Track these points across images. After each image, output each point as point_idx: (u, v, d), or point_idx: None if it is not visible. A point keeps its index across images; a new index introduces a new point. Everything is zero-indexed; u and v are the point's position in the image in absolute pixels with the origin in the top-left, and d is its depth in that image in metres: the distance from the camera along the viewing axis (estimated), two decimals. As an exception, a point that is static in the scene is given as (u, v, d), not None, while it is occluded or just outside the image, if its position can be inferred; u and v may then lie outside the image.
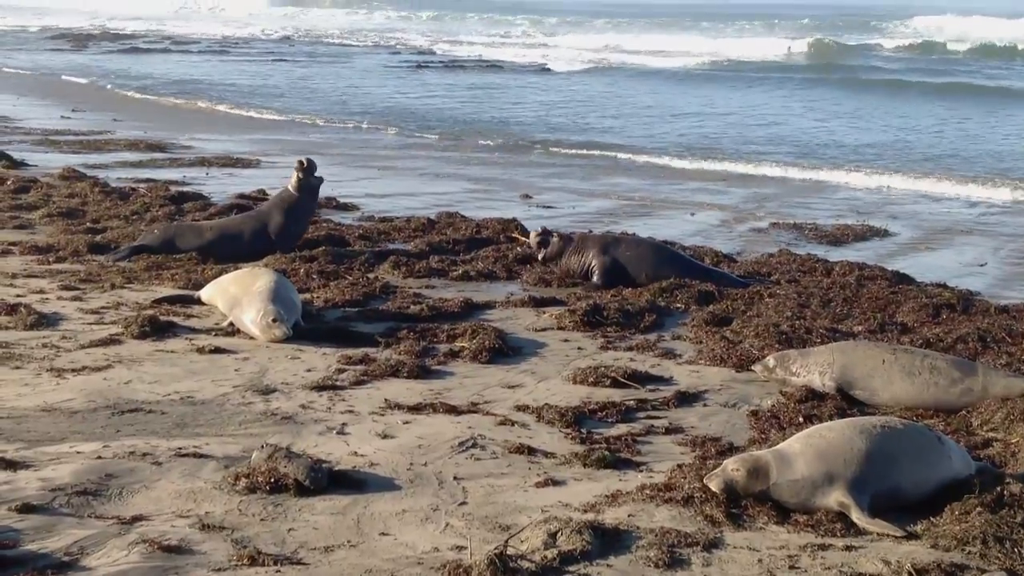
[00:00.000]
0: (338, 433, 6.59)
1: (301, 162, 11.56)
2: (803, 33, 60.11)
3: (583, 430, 6.72)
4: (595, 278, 10.52)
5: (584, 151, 21.18)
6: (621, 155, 20.60)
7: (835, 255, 12.32)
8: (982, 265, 12.36)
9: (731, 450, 6.45)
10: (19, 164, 16.55)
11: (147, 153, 18.64)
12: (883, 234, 14.02)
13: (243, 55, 46.44)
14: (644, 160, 19.99)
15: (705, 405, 7.33)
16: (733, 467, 5.27)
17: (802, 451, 5.32)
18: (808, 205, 16.00)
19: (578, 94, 32.20)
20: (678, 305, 9.85)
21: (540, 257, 10.85)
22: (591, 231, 11.78)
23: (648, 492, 5.68)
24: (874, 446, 5.34)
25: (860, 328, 9.02)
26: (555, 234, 10.84)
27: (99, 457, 6.02)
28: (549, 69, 41.77)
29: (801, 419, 6.87)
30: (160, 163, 17.67)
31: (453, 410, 7.02)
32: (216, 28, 65.73)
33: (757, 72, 38.73)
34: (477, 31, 68.04)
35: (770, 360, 7.80)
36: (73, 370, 7.53)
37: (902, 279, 10.88)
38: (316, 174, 11.53)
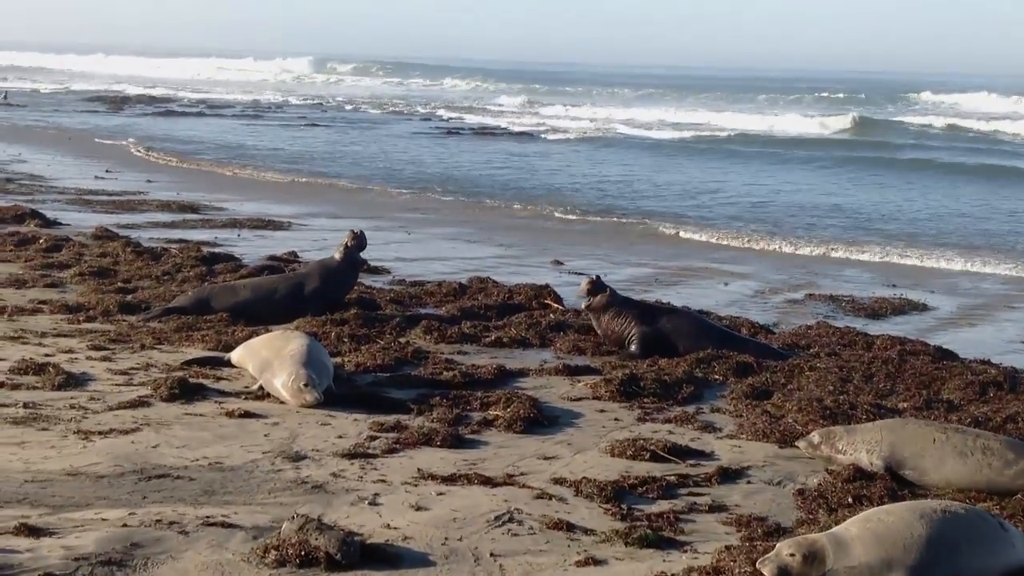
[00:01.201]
0: (370, 504, 6.38)
1: (353, 232, 11.55)
2: (835, 107, 60.43)
3: (623, 506, 6.47)
4: (633, 347, 10.34)
5: (614, 218, 21.10)
6: (652, 223, 20.47)
7: (873, 328, 12.08)
8: (1024, 342, 12.09)
9: (778, 531, 6.20)
10: (52, 223, 16.60)
11: (179, 214, 18.69)
12: (921, 308, 13.76)
13: (276, 119, 46.99)
14: (674, 230, 19.83)
15: (749, 482, 7.08)
16: (788, 552, 5.01)
17: (859, 535, 5.07)
18: (844, 277, 15.77)
19: (609, 165, 32.15)
20: (716, 376, 9.63)
21: (584, 305, 10.67)
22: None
23: (695, 575, 5.43)
24: (935, 532, 5.08)
25: (905, 405, 8.75)
26: (608, 288, 10.68)
27: (125, 525, 5.83)
28: (578, 139, 41.98)
29: (850, 499, 6.61)
30: (192, 224, 17.69)
31: (488, 482, 6.80)
32: (246, 94, 66.72)
33: (799, 148, 37.84)
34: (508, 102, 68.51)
35: (815, 436, 7.54)
36: (100, 432, 7.37)
37: (945, 355, 10.60)
38: (362, 253, 11.49)
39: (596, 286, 10.60)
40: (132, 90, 63.96)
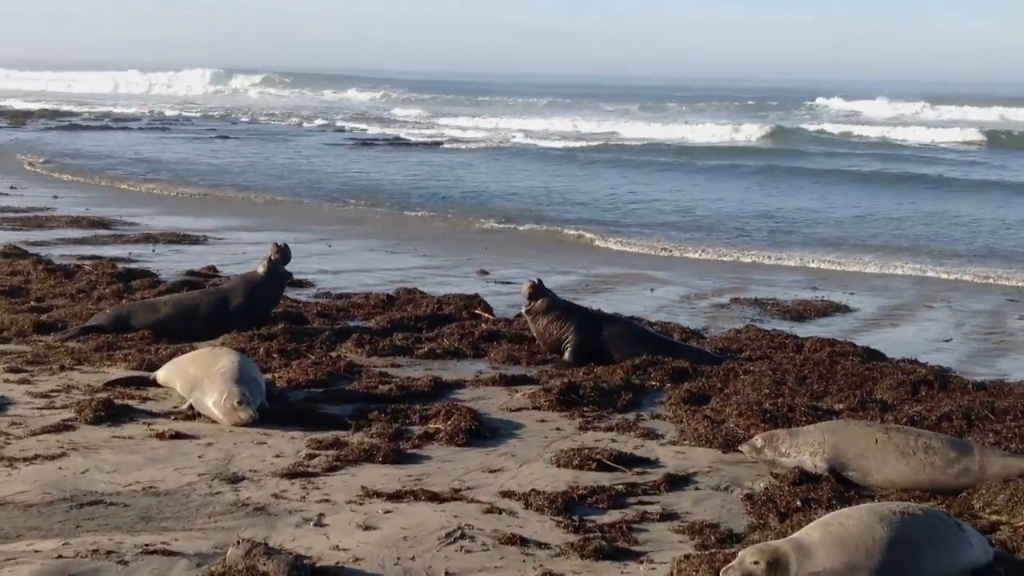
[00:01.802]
0: (316, 525, 6.17)
1: (277, 244, 11.28)
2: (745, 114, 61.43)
3: (575, 517, 6.36)
4: (567, 355, 10.26)
5: (535, 227, 21.08)
6: (574, 232, 20.49)
7: (800, 331, 12.19)
8: (947, 341, 12.32)
9: (731, 537, 6.16)
10: (-44, 241, 15.95)
11: (90, 230, 18.12)
12: (844, 310, 13.94)
13: (185, 132, 46.09)
14: (596, 238, 19.87)
15: (697, 488, 7.03)
16: (751, 559, 4.95)
17: (822, 540, 5.03)
18: (766, 281, 15.92)
19: (524, 174, 32.12)
20: (653, 383, 9.60)
21: (525, 309, 10.55)
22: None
23: (656, 586, 5.35)
24: (895, 534, 5.08)
25: (841, 406, 8.81)
26: (549, 292, 10.56)
27: (59, 556, 5.54)
28: (503, 147, 41.99)
29: (799, 503, 6.60)
30: (104, 240, 17.17)
31: (435, 497, 6.63)
32: (156, 106, 65.38)
33: (717, 157, 38.00)
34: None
35: (757, 440, 7.54)
36: (25, 459, 7.03)
37: (873, 355, 10.74)
38: (287, 266, 11.24)
39: (537, 290, 10.49)
40: (19, 104, 62.05)
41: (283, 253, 11.25)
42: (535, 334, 10.56)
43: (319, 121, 56.21)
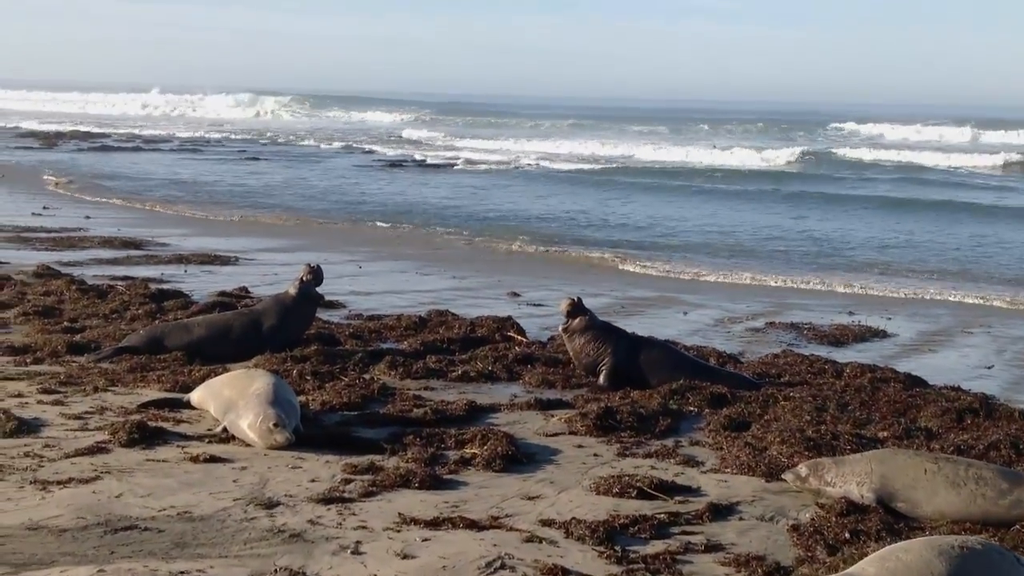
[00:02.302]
0: (353, 552, 6.05)
1: (309, 265, 11.24)
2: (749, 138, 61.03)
3: (617, 548, 6.21)
4: (601, 378, 10.12)
5: (565, 249, 20.98)
6: (605, 254, 20.37)
7: (837, 356, 12.01)
8: (989, 368, 12.08)
9: (778, 570, 6.00)
10: (-10, 261, 16.00)
11: (122, 250, 18.15)
12: (882, 335, 13.73)
13: (215, 153, 46.37)
14: (627, 260, 19.74)
15: (741, 519, 6.86)
16: (807, 594, 4.79)
17: (878, 575, 4.86)
18: (801, 305, 15.73)
19: (551, 197, 32.02)
20: (691, 408, 9.45)
21: (562, 327, 10.41)
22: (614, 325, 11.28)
23: (705, 620, 5.19)
24: (954, 569, 4.90)
25: (885, 434, 8.63)
26: (588, 312, 10.42)
27: (94, 583, 5.45)
28: (532, 169, 41.97)
29: (847, 535, 6.44)
30: (137, 260, 17.18)
31: (474, 525, 6.50)
32: (184, 128, 65.86)
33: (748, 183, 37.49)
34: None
35: (802, 469, 7.38)
36: (59, 482, 6.95)
37: (915, 382, 10.55)
38: (319, 288, 11.18)
39: (576, 307, 10.35)
40: (46, 126, 62.51)
41: (315, 274, 11.18)
42: (571, 353, 10.41)
43: (339, 144, 56.15)
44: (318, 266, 11.35)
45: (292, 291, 11.10)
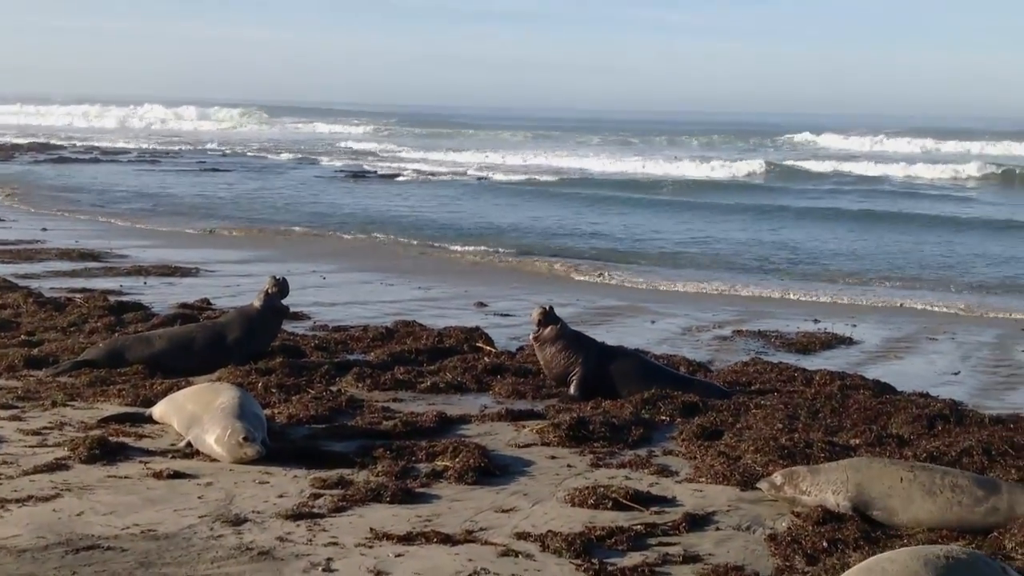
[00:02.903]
0: (324, 570, 5.89)
1: (275, 278, 11.07)
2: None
3: (594, 560, 6.10)
4: (572, 388, 10.02)
5: (532, 258, 20.91)
6: (568, 264, 20.31)
7: (806, 363, 12.01)
8: (956, 374, 12.12)
9: (758, 581, 5.91)
10: (-57, 274, 15.64)
11: (80, 262, 17.84)
12: (848, 342, 13.74)
13: (174, 166, 45.88)
14: (591, 271, 19.69)
15: (717, 529, 6.77)
16: (792, 606, 4.69)
17: (863, 586, 4.78)
18: (767, 313, 15.73)
19: (515, 208, 31.95)
20: (663, 417, 9.37)
21: (533, 335, 10.32)
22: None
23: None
24: (940, 579, 4.83)
25: (857, 441, 8.59)
26: (560, 321, 10.31)
27: (56, 605, 5.26)
28: (485, 179, 41.86)
29: (825, 544, 6.36)
30: (95, 272, 16.89)
31: (448, 539, 6.36)
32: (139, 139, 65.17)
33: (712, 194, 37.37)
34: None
35: (777, 477, 7.30)
36: (17, 500, 6.73)
37: (884, 388, 10.54)
38: (284, 300, 11.01)
39: (548, 316, 10.25)
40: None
41: (281, 287, 11.01)
42: (542, 362, 10.31)
43: (296, 155, 55.58)
44: (283, 278, 11.17)
45: (257, 304, 10.92)
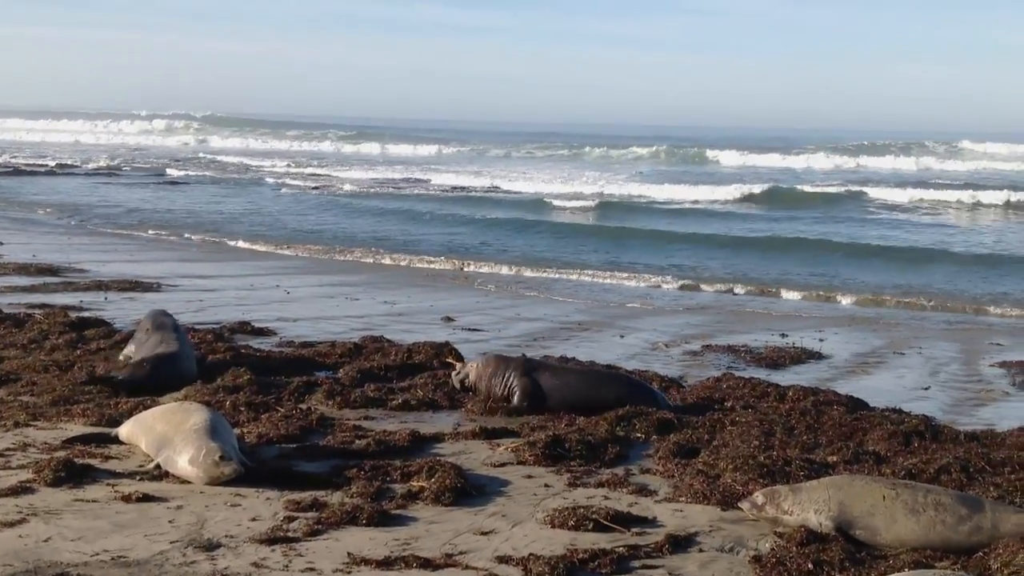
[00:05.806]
0: (303, 597, 5.73)
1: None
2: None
3: (579, 585, 5.99)
4: (515, 400, 9.97)
5: (496, 271, 20.83)
6: (531, 280, 20.25)
7: (776, 378, 11.96)
8: (926, 389, 12.15)
9: (745, 604, 5.82)
10: None
11: (39, 277, 17.51)
12: (817, 356, 13.75)
13: (129, 179, 45.33)
14: (567, 284, 19.64)
15: (701, 550, 6.67)
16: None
17: (860, 611, 4.70)
18: (734, 329, 15.72)
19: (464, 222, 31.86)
20: (638, 435, 9.28)
21: (464, 384, 10.33)
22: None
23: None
24: (936, 603, 4.77)
25: (835, 458, 8.54)
26: (464, 362, 10.51)
27: (24, 638, 5.06)
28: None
29: (810, 565, 6.28)
30: (54, 287, 16.55)
31: (428, 564, 6.21)
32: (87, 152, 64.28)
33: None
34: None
35: (758, 497, 7.22)
36: (-19, 526, 6.51)
37: (857, 404, 10.53)
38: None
39: (458, 358, 10.54)
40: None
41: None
42: (484, 396, 10.19)
43: (252, 167, 54.84)
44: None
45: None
